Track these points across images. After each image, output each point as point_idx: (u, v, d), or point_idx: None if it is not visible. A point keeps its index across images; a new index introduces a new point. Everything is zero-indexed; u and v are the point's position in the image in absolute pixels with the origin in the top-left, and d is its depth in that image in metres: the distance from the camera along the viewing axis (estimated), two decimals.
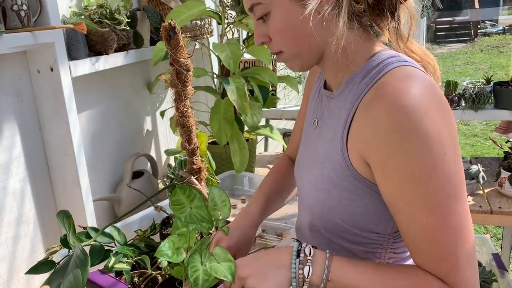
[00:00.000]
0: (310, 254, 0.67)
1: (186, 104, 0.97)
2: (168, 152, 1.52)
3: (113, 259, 0.95)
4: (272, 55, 2.29)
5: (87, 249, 0.92)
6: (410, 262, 0.73)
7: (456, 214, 0.61)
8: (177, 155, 1.22)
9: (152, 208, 1.24)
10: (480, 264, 1.85)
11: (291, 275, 0.67)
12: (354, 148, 0.67)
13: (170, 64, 0.93)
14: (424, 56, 0.75)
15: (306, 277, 0.66)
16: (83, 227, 1.06)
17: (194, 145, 1.01)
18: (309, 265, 0.66)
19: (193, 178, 1.01)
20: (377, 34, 0.72)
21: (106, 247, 1.00)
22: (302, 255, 0.67)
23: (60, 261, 0.91)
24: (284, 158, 1.04)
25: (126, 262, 0.97)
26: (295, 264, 0.67)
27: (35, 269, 0.93)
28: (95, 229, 1.02)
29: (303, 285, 0.66)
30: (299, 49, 0.70)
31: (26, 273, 0.94)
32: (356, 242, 0.73)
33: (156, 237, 1.17)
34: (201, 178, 1.04)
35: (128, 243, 1.06)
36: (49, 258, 1.00)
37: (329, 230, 0.75)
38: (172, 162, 1.97)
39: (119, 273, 0.98)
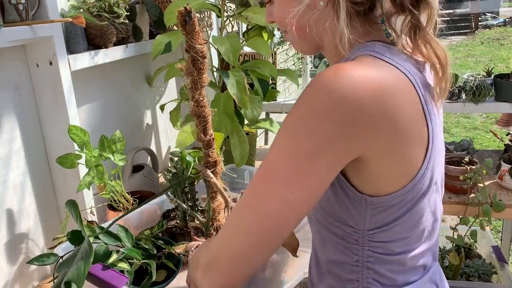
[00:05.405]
0: None
1: (201, 92, 0.91)
2: (174, 154, 1.51)
3: (114, 256, 0.95)
4: (272, 48, 2.29)
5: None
6: (393, 265, 0.71)
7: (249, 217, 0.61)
8: (184, 151, 1.19)
9: (151, 201, 1.25)
10: (480, 257, 1.86)
11: None
12: None
13: (186, 50, 0.89)
14: (442, 56, 0.67)
15: None
16: (88, 221, 1.06)
17: (210, 136, 0.95)
18: None
19: (208, 172, 0.96)
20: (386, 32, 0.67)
21: (113, 249, 0.99)
22: None
23: (65, 254, 0.92)
24: None
25: (131, 262, 0.96)
26: None
27: (37, 260, 0.94)
28: (101, 228, 1.01)
29: None
30: (295, 36, 0.73)
31: (28, 262, 0.95)
32: (337, 234, 0.72)
33: None
34: (217, 171, 0.99)
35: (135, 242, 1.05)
36: (56, 246, 1.01)
37: (316, 216, 0.75)
38: None
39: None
